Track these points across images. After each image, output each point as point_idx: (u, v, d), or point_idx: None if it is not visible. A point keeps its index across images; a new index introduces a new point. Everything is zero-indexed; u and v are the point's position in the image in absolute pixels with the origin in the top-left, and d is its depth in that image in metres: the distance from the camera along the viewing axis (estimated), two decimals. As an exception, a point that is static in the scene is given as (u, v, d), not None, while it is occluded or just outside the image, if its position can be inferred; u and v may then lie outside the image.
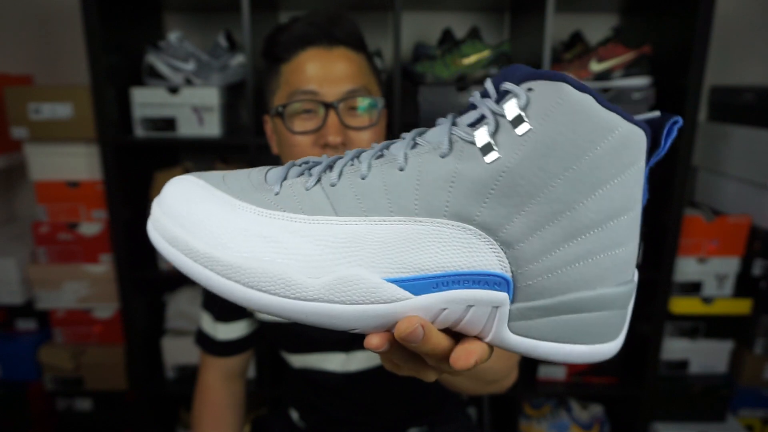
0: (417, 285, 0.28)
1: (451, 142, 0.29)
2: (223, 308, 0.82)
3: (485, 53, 1.22)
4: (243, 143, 1.22)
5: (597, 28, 1.48)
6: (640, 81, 1.24)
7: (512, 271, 0.29)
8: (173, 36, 1.25)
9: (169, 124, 1.23)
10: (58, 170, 1.35)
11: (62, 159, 1.34)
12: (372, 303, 0.28)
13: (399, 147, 0.31)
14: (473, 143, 0.28)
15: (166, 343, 1.39)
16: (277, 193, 0.30)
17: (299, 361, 0.81)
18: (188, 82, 1.25)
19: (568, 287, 0.28)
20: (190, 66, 1.25)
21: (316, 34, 0.65)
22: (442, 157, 0.29)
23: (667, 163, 1.26)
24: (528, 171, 0.27)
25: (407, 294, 0.28)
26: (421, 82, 1.24)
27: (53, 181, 1.35)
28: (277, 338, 0.81)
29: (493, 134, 0.28)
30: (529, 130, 0.27)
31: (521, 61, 1.32)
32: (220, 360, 0.84)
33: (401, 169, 0.29)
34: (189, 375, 1.41)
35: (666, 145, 0.28)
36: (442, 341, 0.29)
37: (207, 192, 0.30)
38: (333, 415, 0.84)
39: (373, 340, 0.29)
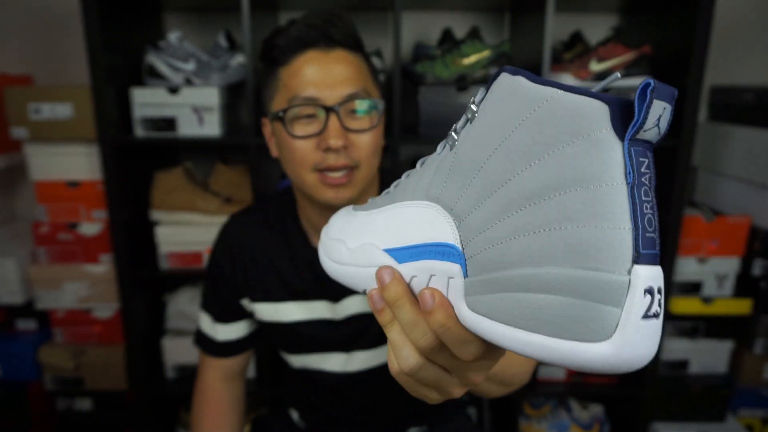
0: (402, 254, 0.35)
1: (447, 141, 0.34)
2: (223, 309, 0.82)
3: (485, 53, 1.22)
4: (243, 143, 1.22)
5: (597, 28, 1.48)
6: (640, 81, 1.24)
7: (461, 243, 0.31)
8: (173, 36, 1.25)
9: (169, 124, 1.23)
10: (58, 170, 1.35)
11: (62, 159, 1.34)
12: (374, 266, 0.37)
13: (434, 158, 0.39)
14: (454, 139, 0.33)
15: (166, 343, 1.39)
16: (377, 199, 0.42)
17: (299, 361, 0.81)
18: (188, 82, 1.25)
19: (512, 260, 0.27)
20: (190, 66, 1.25)
21: (314, 36, 0.64)
22: (438, 154, 0.35)
23: (667, 163, 1.26)
24: (469, 150, 0.30)
25: (394, 262, 0.36)
26: (421, 82, 1.24)
27: (53, 181, 1.35)
28: (277, 339, 0.81)
29: (462, 128, 0.32)
30: (475, 117, 0.31)
31: (522, 61, 1.32)
32: (220, 360, 0.85)
33: (422, 165, 0.37)
34: (189, 375, 1.41)
35: (641, 113, 0.25)
36: (402, 288, 0.34)
37: (349, 215, 0.44)
38: (333, 415, 0.84)
39: (372, 291, 0.35)
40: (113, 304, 1.41)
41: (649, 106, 0.25)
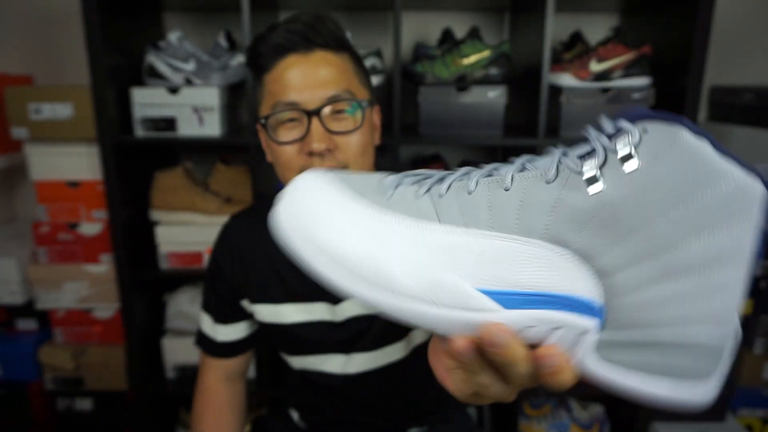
0: (508, 299, 0.29)
1: (558, 170, 0.30)
2: (223, 310, 0.82)
3: (485, 53, 1.22)
4: (243, 143, 1.22)
5: (597, 28, 1.49)
6: (640, 81, 1.24)
7: (605, 300, 0.29)
8: (173, 36, 1.25)
9: (169, 124, 1.23)
10: (58, 170, 1.35)
11: (62, 159, 1.34)
12: (462, 309, 0.30)
13: (508, 169, 0.32)
14: (580, 173, 0.29)
15: (166, 343, 1.39)
16: (389, 197, 0.32)
17: (299, 362, 0.82)
18: (188, 82, 1.25)
19: (661, 322, 0.28)
20: (190, 66, 1.25)
21: (293, 40, 0.64)
22: (548, 183, 0.30)
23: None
24: (630, 206, 0.28)
25: (497, 306, 0.29)
26: (421, 82, 1.24)
27: (53, 181, 1.35)
28: (277, 340, 0.81)
29: (601, 167, 0.29)
30: (638, 168, 0.28)
31: (521, 62, 1.32)
32: (220, 361, 0.85)
33: (506, 189, 0.31)
34: (189, 375, 1.41)
35: None
36: (523, 352, 0.29)
37: (335, 188, 0.33)
38: (333, 416, 0.84)
39: (459, 342, 0.30)
40: (113, 304, 1.41)
41: None
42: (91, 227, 1.38)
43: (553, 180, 0.30)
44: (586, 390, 1.41)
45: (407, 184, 0.34)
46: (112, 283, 1.38)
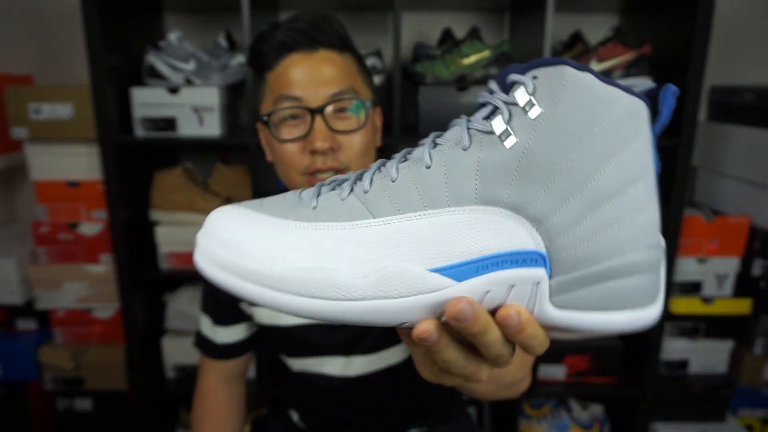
0: (459, 271, 0.29)
1: (470, 136, 0.31)
2: (222, 312, 0.82)
3: (485, 53, 1.22)
4: (243, 143, 1.22)
5: (597, 28, 1.48)
6: (640, 81, 1.24)
7: (546, 246, 0.30)
8: (173, 36, 1.25)
9: (169, 124, 1.23)
10: (58, 170, 1.35)
11: (62, 159, 1.34)
12: (419, 294, 0.29)
13: (421, 150, 0.33)
14: (492, 132, 0.30)
15: (166, 343, 1.39)
16: (314, 207, 0.32)
17: (298, 364, 0.81)
18: (188, 82, 1.25)
19: (600, 256, 0.30)
20: (190, 66, 1.25)
21: (297, 39, 0.63)
22: (464, 149, 0.31)
23: (667, 163, 1.26)
24: (546, 149, 0.29)
25: (451, 281, 0.29)
26: (421, 82, 1.24)
27: (53, 181, 1.35)
28: (276, 342, 0.81)
29: (508, 121, 0.30)
30: (541, 112, 0.29)
31: (521, 61, 1.32)
32: (220, 363, 0.84)
33: (428, 167, 0.31)
34: (189, 375, 1.41)
35: (664, 113, 0.30)
36: (490, 318, 0.30)
37: (249, 216, 0.32)
38: (333, 417, 0.84)
39: (422, 326, 0.29)
40: (113, 304, 1.41)
41: (671, 108, 0.30)
42: (91, 227, 1.38)
43: (469, 145, 0.31)
44: (586, 390, 1.41)
45: (327, 192, 0.33)
46: (112, 283, 1.38)
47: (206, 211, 1.32)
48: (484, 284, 0.30)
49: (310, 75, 0.63)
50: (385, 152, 1.16)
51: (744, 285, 1.40)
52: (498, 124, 0.30)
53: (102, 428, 1.52)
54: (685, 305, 1.40)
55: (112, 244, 1.26)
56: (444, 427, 0.87)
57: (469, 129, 0.31)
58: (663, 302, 0.31)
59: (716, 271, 1.38)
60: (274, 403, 1.43)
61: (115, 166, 1.21)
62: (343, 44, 0.67)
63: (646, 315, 0.31)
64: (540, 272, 0.30)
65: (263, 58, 0.66)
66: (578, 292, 0.30)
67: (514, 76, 0.31)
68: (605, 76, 0.29)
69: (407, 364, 0.79)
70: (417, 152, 0.33)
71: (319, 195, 0.33)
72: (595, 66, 1.24)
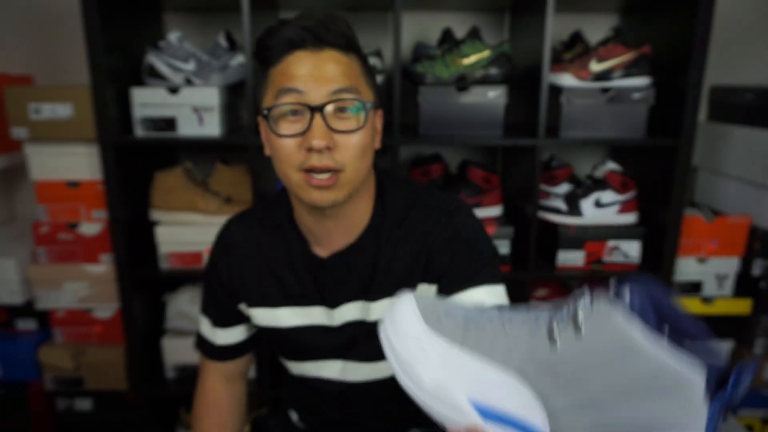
0: (488, 413, 0.40)
1: (541, 326, 0.40)
2: (221, 313, 0.82)
3: (485, 53, 1.22)
4: (243, 143, 1.22)
5: (597, 28, 1.48)
6: (640, 81, 1.24)
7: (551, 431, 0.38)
8: (173, 36, 1.25)
9: (169, 124, 1.23)
10: (58, 170, 1.35)
11: (62, 159, 1.34)
12: (454, 409, 0.41)
13: (535, 315, 0.42)
14: (551, 330, 0.38)
15: (166, 343, 1.39)
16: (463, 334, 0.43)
17: (297, 368, 0.81)
18: (188, 82, 1.25)
19: None
20: (190, 66, 1.25)
21: (304, 36, 0.63)
22: (532, 335, 0.39)
23: (667, 163, 1.26)
24: (573, 364, 0.36)
25: (478, 417, 0.40)
26: (421, 82, 1.24)
27: (53, 181, 1.35)
28: (274, 344, 0.81)
29: (560, 328, 0.38)
30: (582, 336, 0.36)
31: (521, 62, 1.31)
32: (220, 364, 0.84)
33: (505, 334, 0.41)
34: (189, 375, 1.41)
35: (730, 392, 0.32)
36: None
37: (425, 335, 0.43)
38: (332, 418, 0.84)
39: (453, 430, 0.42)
40: (113, 304, 1.41)
41: (739, 386, 0.32)
42: (91, 227, 1.38)
43: (536, 332, 0.39)
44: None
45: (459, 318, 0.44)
46: (112, 283, 1.38)
47: (206, 211, 1.32)
48: (497, 431, 0.39)
49: (313, 71, 0.63)
50: (384, 153, 1.16)
51: (744, 285, 1.40)
52: (554, 327, 0.38)
53: (102, 428, 1.52)
54: (685, 305, 1.40)
55: (112, 244, 1.26)
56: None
57: (549, 320, 0.39)
58: None
59: (716, 271, 1.38)
60: (274, 404, 1.43)
61: (115, 166, 1.21)
62: (349, 45, 0.67)
63: None
64: None
65: (269, 53, 0.66)
66: None
67: (581, 299, 0.38)
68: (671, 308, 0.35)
69: None
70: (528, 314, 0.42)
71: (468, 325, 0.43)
72: (595, 66, 1.24)
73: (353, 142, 0.64)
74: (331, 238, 0.73)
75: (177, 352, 1.40)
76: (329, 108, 0.63)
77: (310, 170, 0.64)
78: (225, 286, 0.79)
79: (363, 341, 0.76)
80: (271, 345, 0.82)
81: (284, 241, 0.76)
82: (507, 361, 0.39)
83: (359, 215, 0.72)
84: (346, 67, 0.65)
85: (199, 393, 0.85)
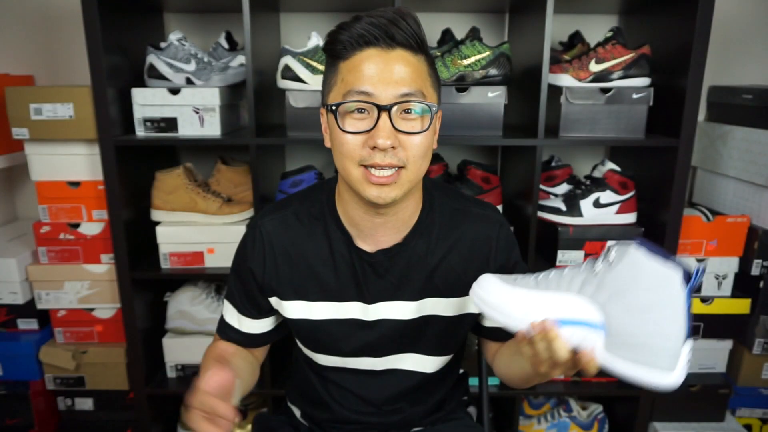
0: (562, 323, 0.58)
1: (591, 264, 0.62)
2: (251, 306, 0.81)
3: (485, 54, 1.23)
4: (243, 143, 1.22)
5: (596, 28, 1.49)
6: (640, 81, 1.24)
7: (605, 322, 0.58)
8: (174, 37, 1.25)
9: (170, 124, 1.24)
10: (59, 170, 1.35)
11: (63, 159, 1.34)
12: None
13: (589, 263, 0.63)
14: (595, 263, 0.61)
15: (166, 343, 1.40)
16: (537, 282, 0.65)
17: (323, 359, 0.82)
18: (189, 82, 1.25)
19: (634, 335, 0.57)
20: (190, 66, 1.25)
21: (376, 34, 0.65)
22: (583, 271, 0.62)
23: (666, 163, 1.26)
24: (609, 281, 0.58)
25: (557, 326, 0.58)
26: (421, 83, 1.24)
27: (54, 181, 1.35)
28: (305, 337, 0.81)
29: (600, 262, 0.60)
30: (611, 263, 0.59)
31: (521, 62, 1.32)
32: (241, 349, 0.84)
33: (564, 277, 0.63)
34: (189, 375, 1.41)
35: (693, 283, 0.56)
36: (562, 345, 0.57)
37: (509, 288, 0.64)
38: (338, 415, 0.84)
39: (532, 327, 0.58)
40: (114, 303, 1.42)
41: (697, 280, 0.56)
42: (92, 227, 1.38)
43: (584, 269, 0.61)
44: (586, 390, 1.42)
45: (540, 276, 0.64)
46: (113, 283, 1.39)
47: (207, 212, 1.32)
48: (571, 331, 0.58)
49: (383, 72, 0.65)
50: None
51: (743, 285, 1.41)
52: (598, 263, 0.60)
53: (103, 428, 1.52)
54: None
55: (113, 244, 1.26)
56: (445, 425, 0.88)
57: (594, 266, 0.61)
58: (681, 376, 0.56)
59: (715, 271, 1.39)
60: (276, 402, 1.43)
61: (116, 166, 1.22)
62: (418, 45, 0.67)
63: (661, 376, 0.57)
64: (599, 334, 0.58)
65: (339, 47, 0.67)
66: (619, 349, 0.57)
67: (613, 246, 0.60)
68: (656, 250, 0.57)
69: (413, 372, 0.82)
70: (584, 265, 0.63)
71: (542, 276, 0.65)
72: (595, 66, 1.24)
73: (416, 143, 0.66)
74: (377, 233, 0.74)
75: (178, 351, 1.40)
76: (395, 109, 0.65)
77: (371, 166, 0.65)
78: (257, 280, 0.78)
79: (397, 336, 0.78)
80: (301, 337, 0.82)
81: (324, 235, 0.77)
82: (570, 288, 0.60)
83: (408, 214, 0.75)
84: (415, 68, 0.67)
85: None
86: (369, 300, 0.76)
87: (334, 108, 0.66)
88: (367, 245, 0.75)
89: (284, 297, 0.79)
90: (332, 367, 0.82)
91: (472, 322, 0.82)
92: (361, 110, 0.66)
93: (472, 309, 0.79)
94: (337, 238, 0.76)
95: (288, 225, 0.78)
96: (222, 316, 0.85)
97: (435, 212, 0.77)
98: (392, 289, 0.76)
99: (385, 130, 0.64)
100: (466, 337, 0.86)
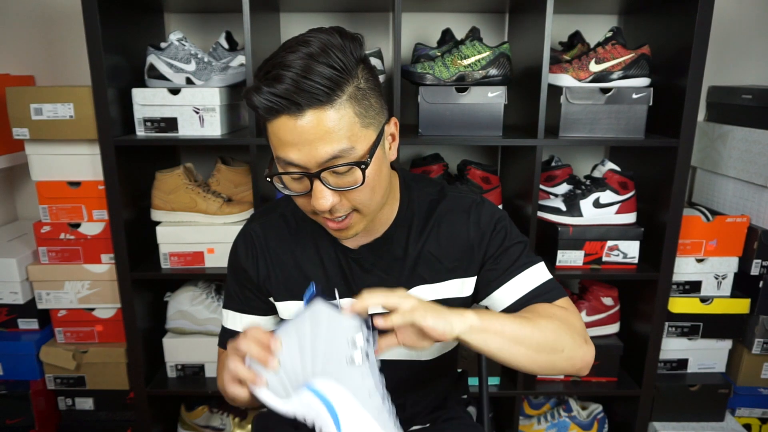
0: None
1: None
2: (253, 304, 0.82)
3: (485, 54, 1.23)
4: (243, 143, 1.22)
5: (596, 28, 1.49)
6: (639, 81, 1.24)
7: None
8: (174, 37, 1.25)
9: (170, 124, 1.24)
10: (59, 170, 1.35)
11: (63, 159, 1.34)
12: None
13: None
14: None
15: (166, 343, 1.40)
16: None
17: None
18: (189, 82, 1.25)
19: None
20: (191, 66, 1.25)
21: (281, 104, 0.60)
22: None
23: (666, 163, 1.26)
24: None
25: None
26: (421, 83, 1.24)
27: (55, 181, 1.36)
28: None
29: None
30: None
31: (521, 62, 1.32)
32: None
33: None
34: (190, 374, 1.42)
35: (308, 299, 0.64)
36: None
37: None
38: None
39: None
40: (114, 303, 1.42)
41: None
42: (92, 227, 1.39)
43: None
44: (586, 390, 1.42)
45: None
46: (113, 282, 1.39)
47: (207, 212, 1.32)
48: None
49: (300, 138, 0.61)
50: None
51: (742, 285, 1.41)
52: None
53: (103, 427, 1.52)
54: (684, 305, 1.40)
55: (113, 244, 1.26)
56: (445, 424, 0.88)
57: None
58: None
59: (715, 271, 1.39)
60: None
61: (116, 166, 1.22)
62: (332, 91, 0.60)
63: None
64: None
65: (257, 113, 0.64)
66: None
67: None
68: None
69: (425, 363, 0.82)
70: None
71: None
72: (594, 66, 1.24)
73: (358, 191, 0.65)
74: (357, 235, 0.75)
75: (178, 351, 1.40)
76: (326, 173, 0.63)
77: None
78: (253, 281, 0.80)
79: (387, 330, 0.77)
80: None
81: (311, 235, 0.79)
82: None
83: (385, 216, 0.76)
84: (334, 123, 0.61)
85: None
86: (358, 294, 0.77)
87: (269, 180, 0.67)
88: (350, 242, 0.77)
89: (278, 298, 0.80)
90: None
91: (461, 304, 0.81)
92: (297, 177, 0.65)
93: (455, 293, 0.80)
94: (322, 237, 0.78)
95: (276, 227, 0.80)
96: (222, 328, 0.85)
97: (414, 204, 0.78)
98: (380, 282, 0.76)
99: (321, 194, 0.63)
100: None
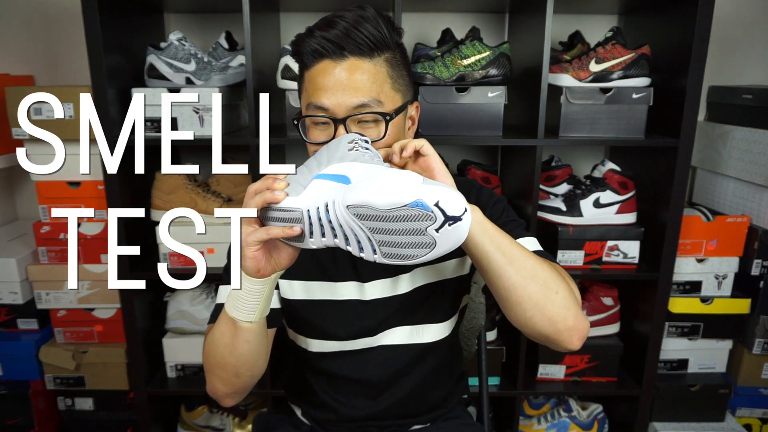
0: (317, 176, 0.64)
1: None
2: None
3: (485, 54, 1.23)
4: (243, 143, 1.22)
5: (596, 28, 1.49)
6: (640, 81, 1.24)
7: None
8: (174, 37, 1.25)
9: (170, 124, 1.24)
10: (59, 170, 1.35)
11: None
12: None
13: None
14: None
15: (166, 343, 1.40)
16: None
17: (321, 345, 0.82)
18: (189, 82, 1.25)
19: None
20: (190, 66, 1.25)
21: (327, 47, 0.67)
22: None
23: (666, 163, 1.26)
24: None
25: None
26: (421, 83, 1.24)
27: (54, 181, 1.35)
28: (302, 320, 0.81)
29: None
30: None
31: (521, 62, 1.32)
32: None
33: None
34: (189, 374, 1.42)
35: None
36: None
37: None
38: (338, 413, 0.84)
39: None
40: (114, 303, 1.42)
41: None
42: (92, 227, 1.38)
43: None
44: (586, 390, 1.41)
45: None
46: (113, 282, 1.39)
47: (207, 212, 1.32)
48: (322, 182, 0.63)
49: (336, 84, 0.67)
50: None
51: (743, 285, 1.41)
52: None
53: (103, 427, 1.52)
54: (684, 305, 1.40)
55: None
56: (445, 424, 0.88)
57: None
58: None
59: (715, 271, 1.39)
60: (277, 401, 1.43)
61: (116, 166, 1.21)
62: (374, 48, 0.68)
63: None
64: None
65: (300, 59, 0.71)
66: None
67: None
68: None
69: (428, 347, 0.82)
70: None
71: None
72: (595, 66, 1.24)
73: (377, 147, 0.68)
74: None
75: (178, 351, 1.40)
76: (351, 120, 0.68)
77: None
78: None
79: (391, 315, 0.79)
80: (296, 323, 0.82)
81: None
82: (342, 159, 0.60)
83: None
84: (370, 75, 0.68)
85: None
86: (365, 278, 0.78)
87: (295, 123, 0.72)
88: None
89: (286, 275, 0.79)
90: (326, 354, 0.82)
91: (460, 283, 0.83)
92: (323, 122, 0.69)
93: (455, 273, 0.81)
94: None
95: None
96: (216, 305, 0.83)
97: None
98: (383, 266, 0.76)
99: None
100: (458, 307, 0.86)
